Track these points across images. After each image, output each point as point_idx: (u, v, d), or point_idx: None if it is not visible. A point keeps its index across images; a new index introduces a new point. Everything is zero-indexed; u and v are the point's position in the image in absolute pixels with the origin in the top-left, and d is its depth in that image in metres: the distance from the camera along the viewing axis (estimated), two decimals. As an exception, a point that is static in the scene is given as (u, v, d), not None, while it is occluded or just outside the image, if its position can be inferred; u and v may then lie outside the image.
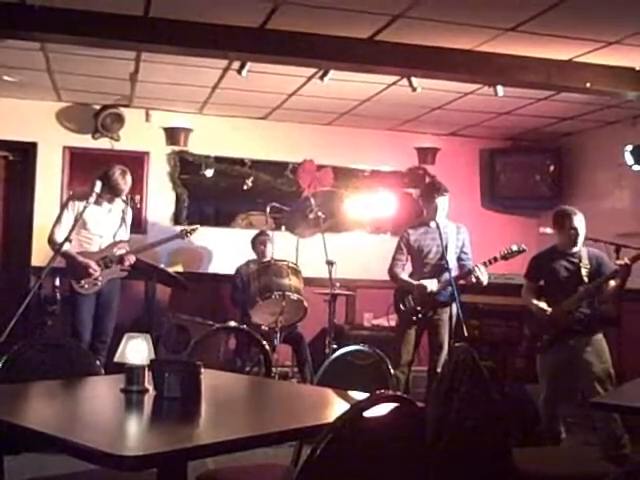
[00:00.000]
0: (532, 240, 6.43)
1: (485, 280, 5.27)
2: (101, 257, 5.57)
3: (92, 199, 4.89)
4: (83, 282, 5.49)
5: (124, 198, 5.79)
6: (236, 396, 3.08)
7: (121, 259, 5.63)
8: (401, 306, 5.46)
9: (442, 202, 5.37)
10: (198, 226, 6.21)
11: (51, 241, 5.55)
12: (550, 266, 4.93)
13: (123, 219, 5.76)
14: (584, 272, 4.82)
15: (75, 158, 7.04)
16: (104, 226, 5.64)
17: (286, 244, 6.64)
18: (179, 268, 7.24)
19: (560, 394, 4.92)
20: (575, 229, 4.79)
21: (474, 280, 5.27)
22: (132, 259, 5.67)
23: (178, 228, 6.49)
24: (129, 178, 5.61)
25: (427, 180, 7.59)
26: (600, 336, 4.82)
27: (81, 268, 5.47)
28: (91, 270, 5.48)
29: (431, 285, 5.32)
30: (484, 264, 5.27)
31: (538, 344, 4.93)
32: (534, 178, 7.80)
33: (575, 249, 4.86)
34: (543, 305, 4.88)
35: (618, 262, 4.74)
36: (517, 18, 4.52)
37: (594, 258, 4.87)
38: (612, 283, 4.77)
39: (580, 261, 4.84)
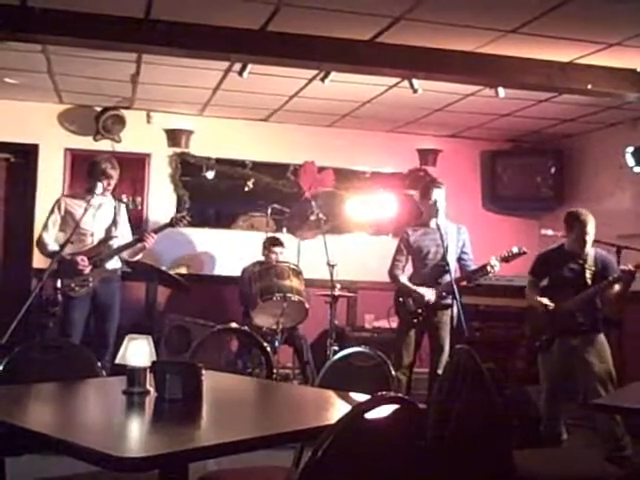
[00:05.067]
0: (533, 242, 6.45)
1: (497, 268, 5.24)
2: (89, 257, 5.35)
3: (96, 191, 4.96)
4: (73, 284, 5.30)
5: (115, 196, 5.61)
6: (237, 398, 3.07)
7: (141, 237, 5.43)
8: (401, 299, 5.44)
9: (438, 195, 5.35)
10: (185, 213, 5.93)
11: (39, 243, 5.42)
12: (555, 265, 4.93)
13: (115, 216, 5.53)
14: (588, 274, 4.81)
15: (76, 160, 7.04)
16: (95, 222, 5.42)
17: (287, 246, 6.64)
18: (182, 270, 7.24)
19: (561, 394, 4.91)
20: (586, 234, 4.77)
21: (489, 269, 5.22)
22: (152, 239, 5.42)
23: (181, 229, 6.42)
24: (117, 164, 5.46)
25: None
26: (601, 336, 4.81)
27: (69, 265, 5.25)
28: (80, 266, 5.25)
29: (429, 295, 5.30)
30: (485, 265, 5.25)
31: (537, 343, 4.94)
32: (535, 180, 7.81)
33: (581, 252, 4.86)
34: (545, 300, 4.86)
35: (621, 267, 4.75)
36: (518, 20, 4.52)
37: (600, 260, 4.87)
38: (616, 287, 4.76)
39: (585, 262, 4.84)
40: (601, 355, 4.76)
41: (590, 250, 4.87)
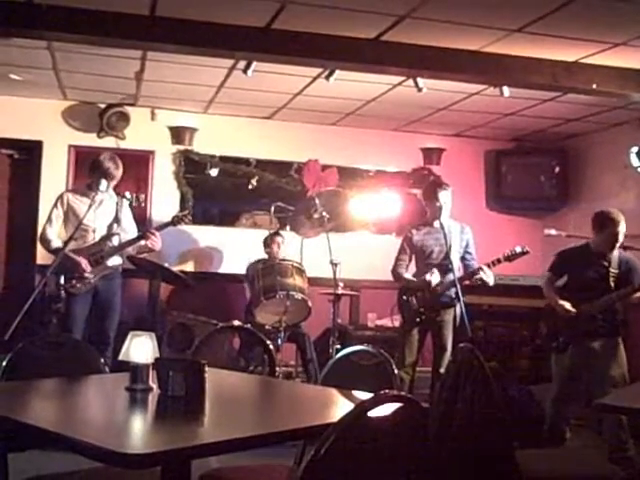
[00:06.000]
0: (537, 241, 6.44)
1: (491, 281, 5.25)
2: (90, 253, 5.35)
3: (101, 188, 5.00)
4: (74, 281, 5.29)
5: (118, 192, 5.59)
6: (240, 395, 3.08)
7: (144, 235, 5.39)
8: (405, 298, 5.44)
9: (445, 196, 5.34)
10: (186, 212, 5.94)
11: (42, 238, 5.43)
12: (578, 265, 4.85)
13: (117, 213, 5.51)
14: (612, 277, 4.75)
15: (80, 157, 7.04)
16: (97, 219, 5.41)
17: (290, 244, 6.64)
18: (185, 267, 7.24)
19: (572, 395, 4.89)
20: (618, 234, 4.70)
21: (479, 282, 5.26)
22: (154, 237, 5.35)
23: (184, 227, 6.40)
24: (120, 163, 5.44)
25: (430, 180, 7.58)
26: (620, 340, 4.77)
27: (71, 266, 5.24)
28: (83, 266, 5.26)
29: (433, 278, 5.29)
30: (488, 265, 5.26)
31: (554, 344, 4.89)
32: (539, 179, 7.80)
33: (609, 253, 4.79)
34: (568, 306, 4.80)
35: None
36: (523, 19, 4.52)
37: (624, 263, 4.80)
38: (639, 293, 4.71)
39: (610, 265, 4.76)
40: (618, 360, 4.72)
41: (614, 252, 4.79)
